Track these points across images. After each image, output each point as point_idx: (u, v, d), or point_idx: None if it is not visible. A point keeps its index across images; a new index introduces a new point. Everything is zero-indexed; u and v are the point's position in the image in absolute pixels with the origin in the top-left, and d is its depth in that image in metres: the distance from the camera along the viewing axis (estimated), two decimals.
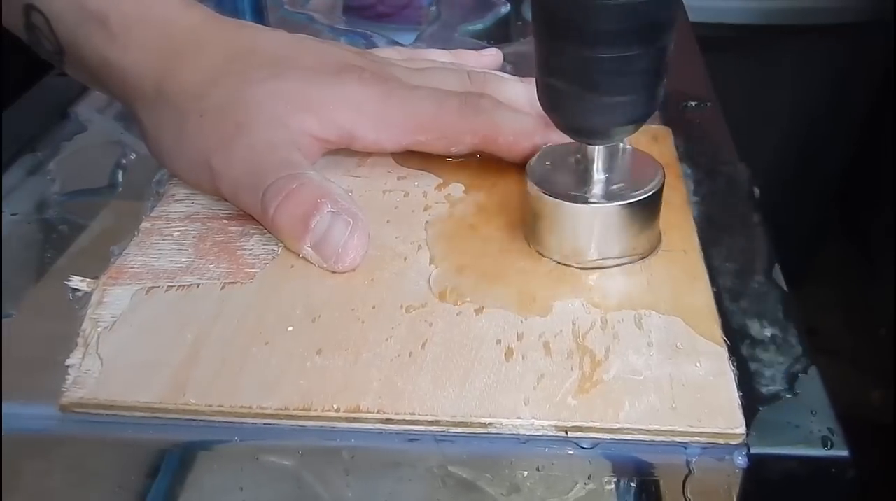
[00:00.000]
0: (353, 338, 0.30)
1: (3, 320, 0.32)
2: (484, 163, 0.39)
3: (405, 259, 0.34)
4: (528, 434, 0.27)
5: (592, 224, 0.32)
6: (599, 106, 0.29)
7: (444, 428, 0.27)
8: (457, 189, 0.38)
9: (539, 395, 0.27)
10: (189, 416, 0.28)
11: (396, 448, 0.27)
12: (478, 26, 0.60)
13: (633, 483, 0.26)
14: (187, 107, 0.36)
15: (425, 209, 0.37)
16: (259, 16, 0.64)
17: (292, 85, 0.37)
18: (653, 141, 0.41)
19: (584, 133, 0.31)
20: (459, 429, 0.27)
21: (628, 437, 0.27)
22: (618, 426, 0.27)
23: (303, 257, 0.33)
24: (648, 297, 0.31)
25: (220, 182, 0.36)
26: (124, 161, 0.43)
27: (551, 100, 0.31)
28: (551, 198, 0.32)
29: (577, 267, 0.33)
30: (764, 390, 0.28)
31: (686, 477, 0.26)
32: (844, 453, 0.26)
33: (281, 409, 0.27)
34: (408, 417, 0.27)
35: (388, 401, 0.27)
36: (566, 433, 0.27)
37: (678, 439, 0.26)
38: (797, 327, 0.31)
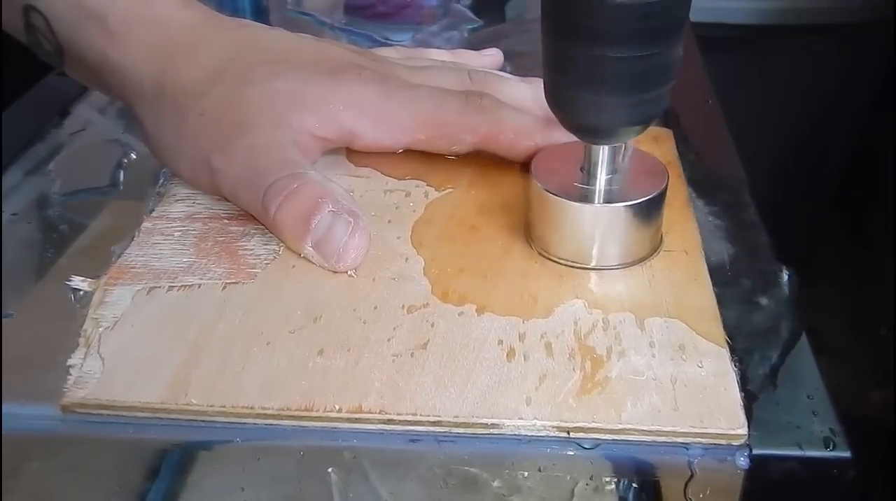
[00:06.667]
0: (354, 339, 0.30)
1: (4, 320, 0.32)
2: (486, 163, 0.39)
3: (406, 259, 0.34)
4: (529, 434, 0.27)
5: (595, 225, 0.32)
6: (607, 106, 0.29)
7: (446, 429, 0.27)
8: (458, 189, 0.38)
9: (541, 396, 0.27)
10: (190, 417, 0.28)
11: (398, 449, 0.27)
12: (479, 25, 0.61)
13: (634, 484, 0.26)
14: (187, 106, 0.36)
15: (427, 209, 0.37)
16: (259, 15, 0.64)
17: (292, 84, 0.37)
18: (654, 142, 0.41)
19: (590, 133, 0.31)
20: (461, 430, 0.27)
21: (630, 438, 0.27)
22: (620, 426, 0.27)
23: (304, 257, 0.33)
24: (650, 298, 0.31)
25: (220, 181, 0.36)
26: (125, 160, 0.43)
27: (558, 99, 0.31)
28: (554, 197, 0.32)
29: (579, 268, 0.33)
30: (766, 390, 0.28)
31: (689, 479, 0.26)
32: (846, 454, 0.26)
33: (282, 409, 0.27)
34: (410, 417, 0.27)
35: (390, 402, 0.27)
36: (568, 433, 0.27)
37: (680, 440, 0.26)
38: (799, 327, 0.31)
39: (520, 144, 0.37)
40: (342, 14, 0.63)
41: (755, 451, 0.26)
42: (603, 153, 0.32)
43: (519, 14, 0.63)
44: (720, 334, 0.30)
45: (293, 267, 0.33)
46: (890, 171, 0.93)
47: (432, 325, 0.30)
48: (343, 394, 0.27)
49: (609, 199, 0.32)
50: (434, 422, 0.27)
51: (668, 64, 0.29)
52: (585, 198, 0.32)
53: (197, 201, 0.37)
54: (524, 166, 0.35)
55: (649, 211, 0.32)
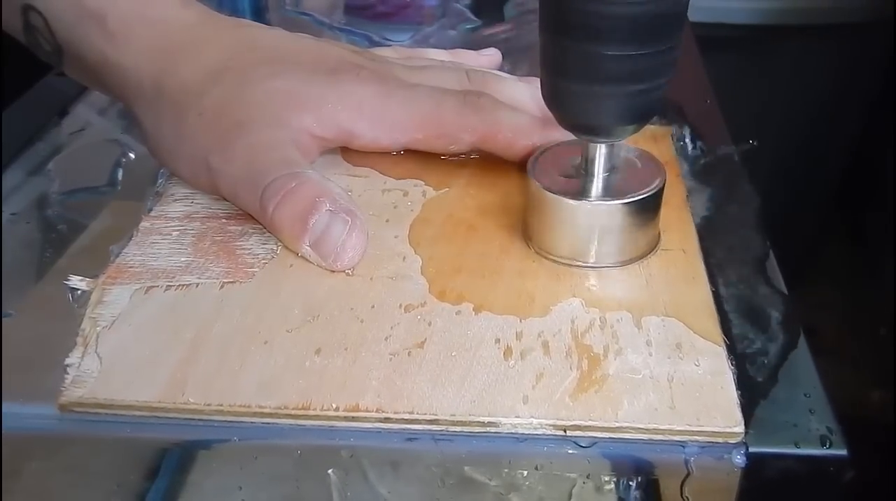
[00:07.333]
0: (351, 338, 0.30)
1: (4, 320, 0.32)
2: (484, 162, 0.39)
3: (404, 258, 0.34)
4: (526, 433, 0.27)
5: (592, 223, 0.32)
6: (605, 104, 0.29)
7: (443, 427, 0.27)
8: (456, 188, 0.38)
9: (538, 394, 0.27)
10: (188, 415, 0.28)
11: (395, 448, 0.27)
12: (478, 24, 0.61)
13: (631, 482, 0.26)
14: (186, 105, 0.36)
15: (424, 208, 0.37)
16: (258, 15, 0.64)
17: (291, 83, 0.37)
18: (651, 140, 0.41)
19: (588, 131, 0.31)
20: (458, 428, 0.27)
21: (627, 436, 0.27)
22: (616, 425, 0.27)
23: (302, 256, 0.33)
24: (647, 296, 0.31)
25: (218, 181, 0.36)
26: (124, 160, 0.43)
27: (556, 97, 0.31)
28: (552, 195, 0.32)
29: (576, 267, 0.33)
30: (762, 389, 0.28)
31: (685, 477, 0.26)
32: (843, 452, 0.26)
33: (280, 408, 0.27)
34: (407, 416, 0.27)
35: (387, 400, 0.27)
36: (565, 432, 0.27)
37: (677, 438, 0.27)
38: (796, 326, 0.31)
39: (517, 144, 0.37)
40: (341, 14, 0.63)
41: (752, 449, 0.26)
42: (600, 151, 0.32)
43: (518, 14, 0.63)
44: (717, 332, 0.30)
45: (291, 266, 0.33)
46: (890, 171, 0.93)
47: (429, 324, 0.30)
48: (340, 393, 0.27)
49: (606, 197, 0.32)
50: (431, 421, 0.27)
51: (666, 62, 0.29)
52: (582, 196, 0.32)
53: (195, 201, 0.37)
54: (522, 166, 0.35)
55: (646, 209, 0.32)
